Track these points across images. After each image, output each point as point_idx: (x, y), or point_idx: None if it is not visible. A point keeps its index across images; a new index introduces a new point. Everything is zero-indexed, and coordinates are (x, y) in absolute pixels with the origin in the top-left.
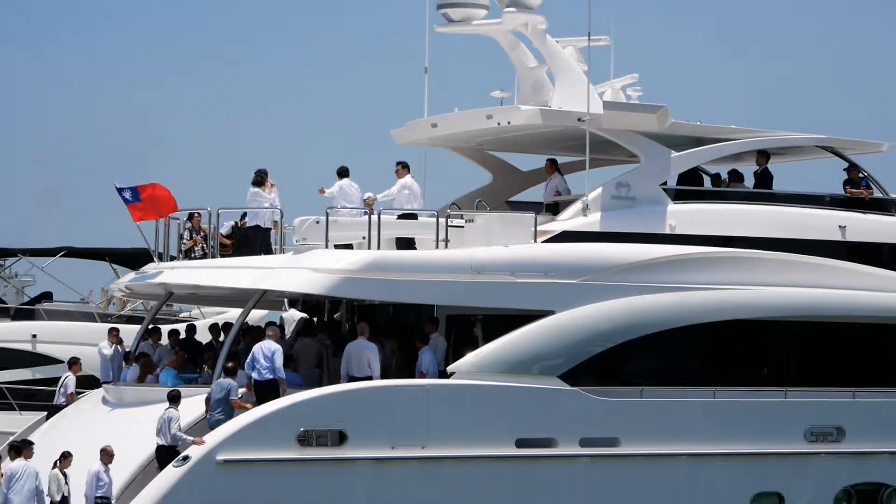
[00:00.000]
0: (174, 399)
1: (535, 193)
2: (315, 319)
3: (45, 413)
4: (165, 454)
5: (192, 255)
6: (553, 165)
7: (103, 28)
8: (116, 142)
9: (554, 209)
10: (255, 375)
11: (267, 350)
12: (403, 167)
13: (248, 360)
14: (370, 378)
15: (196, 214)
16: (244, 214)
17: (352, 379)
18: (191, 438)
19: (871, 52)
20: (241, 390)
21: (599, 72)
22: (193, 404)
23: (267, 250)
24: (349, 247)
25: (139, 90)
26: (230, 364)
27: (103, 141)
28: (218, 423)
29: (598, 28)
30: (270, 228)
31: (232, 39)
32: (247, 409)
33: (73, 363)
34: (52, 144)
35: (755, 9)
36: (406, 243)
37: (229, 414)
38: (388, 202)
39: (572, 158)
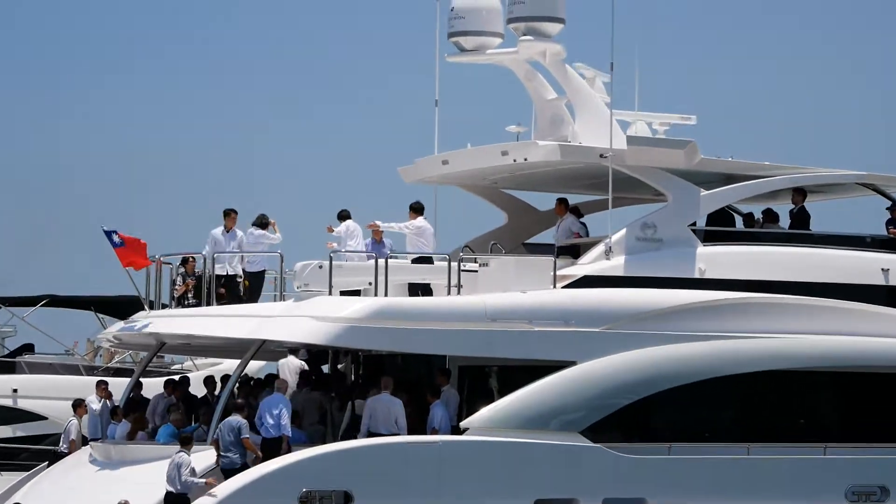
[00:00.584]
0: (186, 442)
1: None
2: (316, 371)
3: (46, 462)
4: (175, 502)
5: (185, 302)
6: (564, 205)
7: (91, 70)
8: (104, 184)
9: (570, 252)
10: (262, 433)
11: (274, 406)
12: (415, 210)
13: (256, 416)
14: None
15: (191, 259)
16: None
17: (374, 436)
18: (203, 481)
19: None
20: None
21: (623, 104)
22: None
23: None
24: (357, 293)
25: (129, 132)
26: (239, 401)
27: (89, 184)
28: (232, 464)
29: (622, 58)
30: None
31: (231, 72)
32: (257, 454)
33: (78, 405)
34: (34, 188)
35: (789, 37)
36: (421, 290)
37: (244, 453)
38: (394, 234)
39: (594, 197)
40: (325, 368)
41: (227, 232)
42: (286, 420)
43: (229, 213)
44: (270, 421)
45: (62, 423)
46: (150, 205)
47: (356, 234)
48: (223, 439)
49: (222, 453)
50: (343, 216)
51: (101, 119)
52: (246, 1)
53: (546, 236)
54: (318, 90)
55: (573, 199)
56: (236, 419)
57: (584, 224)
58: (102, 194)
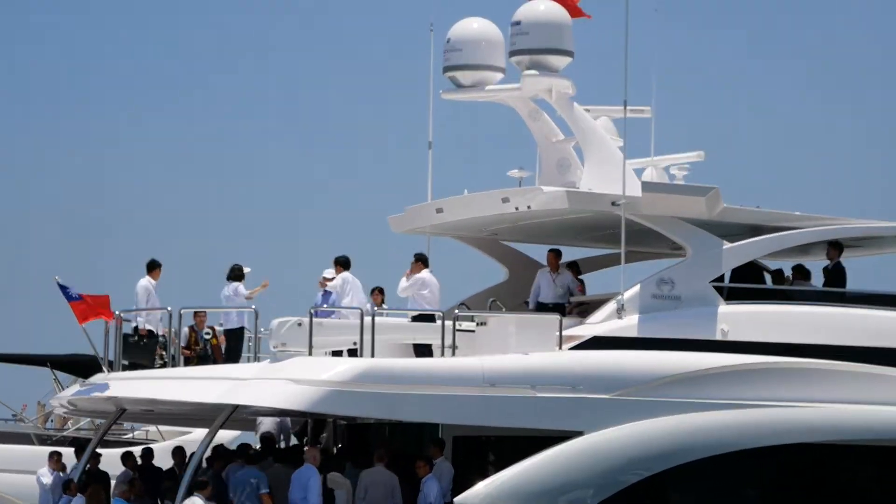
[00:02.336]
0: (201, 487)
1: None
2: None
3: None
4: None
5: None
6: (557, 257)
7: (53, 110)
8: (60, 231)
9: (561, 310)
10: None
11: (304, 479)
12: (420, 261)
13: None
14: None
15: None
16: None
17: None
18: None
19: None
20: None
21: (638, 148)
22: None
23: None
24: (354, 353)
25: (92, 172)
26: (202, 478)
27: (45, 232)
28: None
29: (636, 96)
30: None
31: (209, 116)
32: None
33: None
34: None
35: (818, 76)
36: (422, 351)
37: None
38: (401, 299)
39: (605, 251)
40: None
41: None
42: (313, 497)
43: (153, 266)
44: (296, 494)
45: (11, 500)
46: (110, 256)
47: (353, 290)
48: (240, 491)
49: None
50: (341, 263)
51: (63, 169)
52: (228, 38)
53: None
54: (313, 135)
55: (581, 252)
56: (253, 470)
57: (582, 281)
58: (57, 246)
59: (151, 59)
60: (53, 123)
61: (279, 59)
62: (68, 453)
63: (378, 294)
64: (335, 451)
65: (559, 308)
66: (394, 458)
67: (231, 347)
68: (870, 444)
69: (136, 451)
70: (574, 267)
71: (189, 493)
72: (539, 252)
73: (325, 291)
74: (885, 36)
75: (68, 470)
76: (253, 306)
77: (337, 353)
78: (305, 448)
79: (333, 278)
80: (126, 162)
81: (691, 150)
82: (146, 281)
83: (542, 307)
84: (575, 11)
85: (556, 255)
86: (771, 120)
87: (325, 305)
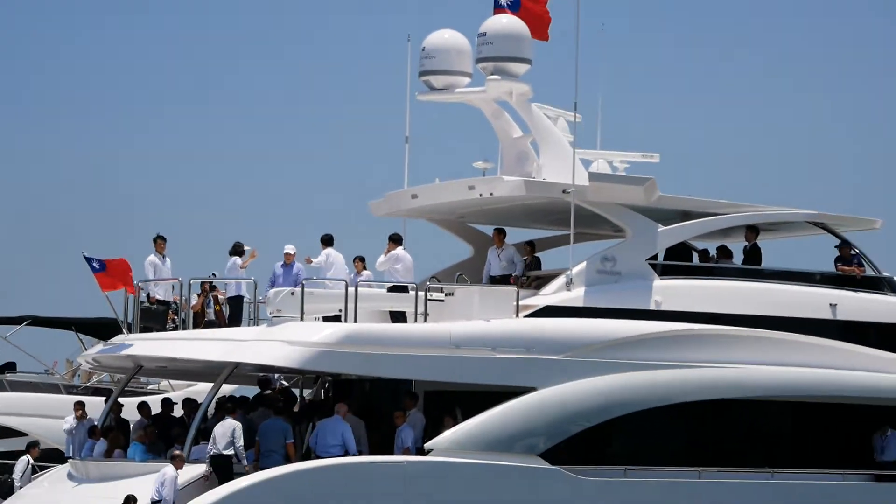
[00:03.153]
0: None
1: None
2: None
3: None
4: None
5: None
6: (502, 235)
7: (76, 91)
8: (85, 207)
9: (505, 282)
10: (319, 453)
11: (338, 430)
12: (394, 241)
13: (313, 436)
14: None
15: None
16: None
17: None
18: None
19: (868, 128)
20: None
21: (586, 143)
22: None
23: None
24: (338, 318)
25: (109, 153)
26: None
27: (71, 207)
28: (276, 464)
29: (586, 98)
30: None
31: (207, 103)
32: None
33: (32, 447)
34: (17, 211)
35: (746, 81)
36: (397, 317)
37: (287, 459)
38: (380, 273)
39: (557, 232)
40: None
41: (162, 257)
42: (351, 443)
43: (160, 240)
44: (332, 441)
45: (42, 440)
46: (127, 233)
47: (335, 264)
48: (267, 438)
49: (267, 452)
50: (326, 241)
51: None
52: (230, 36)
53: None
54: (296, 123)
55: (536, 233)
56: (282, 422)
57: (538, 258)
58: (85, 220)
59: (154, 54)
60: (82, 113)
61: (277, 64)
62: (91, 403)
63: (359, 262)
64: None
65: (505, 279)
66: (374, 410)
67: (232, 313)
68: (780, 400)
69: (152, 401)
70: (531, 245)
71: (196, 442)
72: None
73: (286, 265)
74: (820, 38)
75: (89, 418)
76: (252, 278)
77: (329, 319)
78: (337, 404)
79: (294, 253)
80: (143, 153)
81: (635, 143)
82: (152, 256)
83: (492, 280)
84: (541, 33)
85: (499, 232)
86: (702, 118)
87: (281, 278)
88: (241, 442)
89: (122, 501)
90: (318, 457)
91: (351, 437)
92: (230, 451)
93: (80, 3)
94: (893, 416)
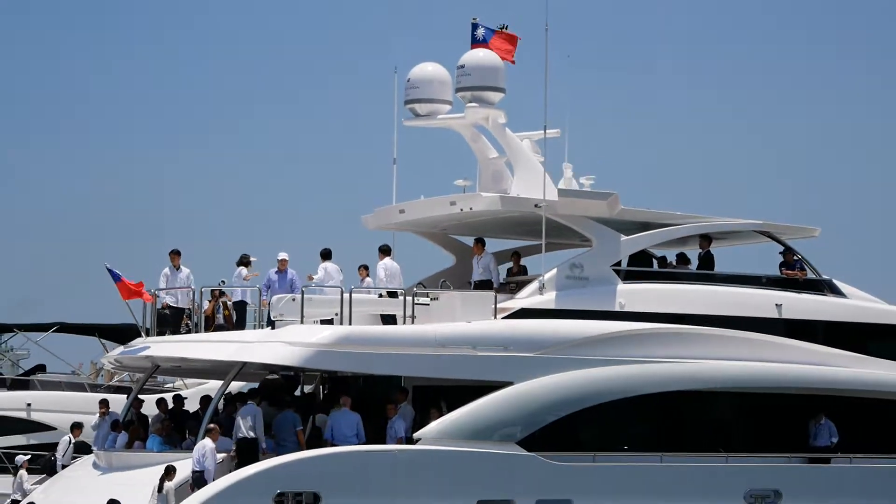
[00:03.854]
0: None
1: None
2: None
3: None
4: None
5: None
6: (481, 245)
7: (101, 102)
8: (109, 223)
9: (486, 287)
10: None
11: (352, 421)
12: (383, 251)
13: (327, 427)
14: None
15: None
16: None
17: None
18: None
19: (808, 144)
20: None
21: (555, 161)
22: (178, 468)
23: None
24: (330, 322)
25: (126, 169)
26: (211, 425)
27: (97, 223)
28: (291, 450)
29: (554, 121)
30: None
31: (215, 122)
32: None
33: (75, 427)
34: (47, 227)
35: (699, 105)
36: (388, 320)
37: (298, 446)
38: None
39: (531, 242)
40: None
41: (176, 269)
42: (362, 431)
43: (174, 254)
44: (349, 432)
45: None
46: (140, 247)
47: (335, 276)
48: (280, 426)
49: (280, 440)
50: (325, 255)
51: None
52: (229, 62)
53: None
54: (301, 152)
55: (512, 244)
56: (292, 413)
57: (524, 267)
58: (109, 235)
59: (155, 82)
60: (111, 132)
61: (280, 96)
62: (114, 400)
63: (363, 270)
64: (321, 398)
65: (485, 284)
66: (367, 403)
67: (238, 317)
68: (732, 391)
69: (169, 397)
70: (516, 255)
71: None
72: None
73: (280, 271)
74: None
75: (112, 412)
76: (257, 285)
77: (325, 322)
78: (342, 397)
79: (287, 260)
80: (164, 173)
81: (600, 162)
82: (167, 269)
83: (474, 285)
84: (507, 56)
85: (477, 242)
86: (658, 136)
87: (276, 283)
88: (261, 425)
89: (162, 472)
90: (334, 445)
91: (362, 427)
92: (253, 435)
93: (108, 26)
94: (832, 404)
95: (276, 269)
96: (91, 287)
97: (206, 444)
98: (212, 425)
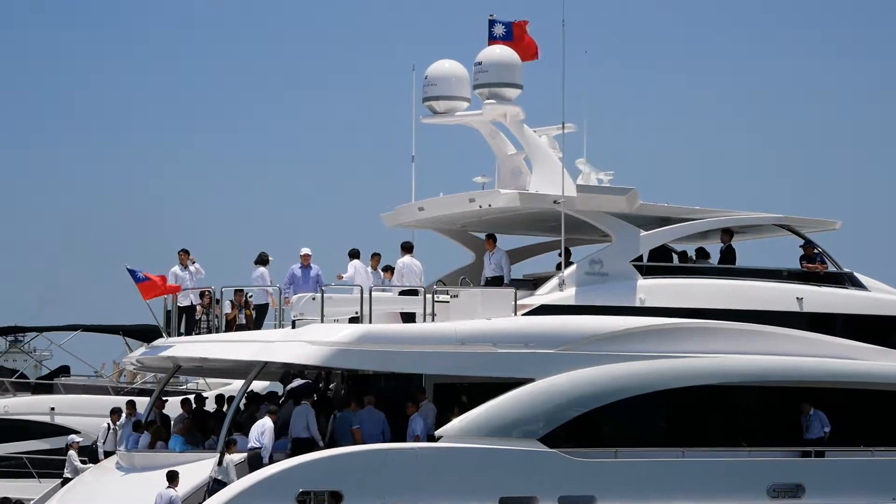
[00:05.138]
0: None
1: (515, 271)
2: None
3: (61, 481)
4: None
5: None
6: (493, 241)
7: (119, 110)
8: (128, 226)
9: (497, 283)
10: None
11: (378, 419)
12: (405, 248)
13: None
14: None
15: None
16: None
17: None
18: None
19: (827, 139)
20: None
21: (573, 157)
22: (200, 467)
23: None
24: (356, 320)
25: (153, 181)
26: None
27: (116, 226)
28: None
29: (572, 116)
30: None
31: (235, 118)
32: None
33: (114, 413)
34: (69, 231)
35: (719, 99)
36: (408, 318)
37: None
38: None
39: (550, 238)
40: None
41: (184, 268)
42: (387, 428)
43: (182, 253)
44: (374, 431)
45: (94, 437)
46: (164, 246)
47: (363, 273)
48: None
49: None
50: (353, 254)
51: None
52: (248, 65)
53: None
54: (321, 150)
55: (531, 240)
56: (348, 415)
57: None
58: (128, 237)
59: (168, 86)
60: (124, 141)
61: (302, 95)
62: (137, 402)
63: (389, 273)
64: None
65: (497, 280)
66: (389, 401)
67: (259, 317)
68: (754, 385)
69: (192, 398)
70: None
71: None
72: (499, 240)
73: (304, 266)
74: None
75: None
76: (277, 285)
77: (353, 320)
78: (365, 396)
79: (310, 255)
80: (181, 176)
81: (619, 157)
82: (175, 267)
83: (486, 281)
84: (530, 55)
85: (489, 238)
86: (676, 133)
87: (300, 279)
88: (314, 425)
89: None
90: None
91: (387, 425)
92: (309, 435)
93: (131, 40)
94: (855, 397)
95: (299, 265)
96: (112, 288)
97: (266, 422)
98: (272, 406)
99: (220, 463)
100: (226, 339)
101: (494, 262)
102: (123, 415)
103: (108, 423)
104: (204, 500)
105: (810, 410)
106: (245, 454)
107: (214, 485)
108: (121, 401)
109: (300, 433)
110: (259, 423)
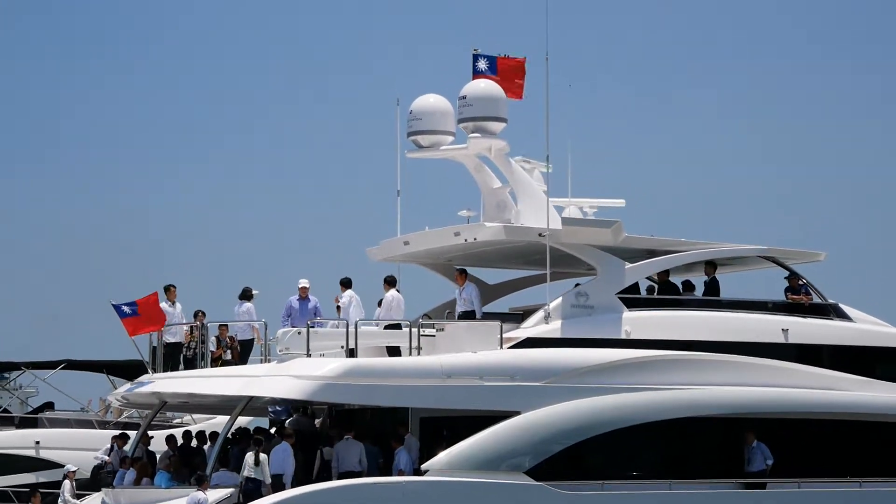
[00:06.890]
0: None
1: (501, 304)
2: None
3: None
4: None
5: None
6: (463, 275)
7: (102, 143)
8: (114, 262)
9: (469, 317)
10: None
11: (354, 449)
12: (389, 283)
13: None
14: None
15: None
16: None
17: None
18: None
19: (810, 171)
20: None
21: (558, 191)
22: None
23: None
24: (353, 353)
25: (134, 213)
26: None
27: (101, 262)
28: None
29: (557, 150)
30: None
31: (220, 151)
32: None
33: (120, 438)
34: (49, 265)
35: (702, 132)
36: (393, 351)
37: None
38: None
39: (535, 272)
40: None
41: (171, 304)
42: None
43: (169, 289)
44: (352, 460)
45: (80, 472)
46: (150, 282)
47: (353, 304)
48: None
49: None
50: (345, 284)
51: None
52: (234, 90)
53: (494, 306)
54: (306, 185)
55: (516, 273)
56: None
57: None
58: (114, 273)
59: (165, 112)
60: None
61: (286, 129)
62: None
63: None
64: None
65: (468, 315)
66: (374, 435)
67: (244, 353)
68: (738, 417)
69: (178, 433)
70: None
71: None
72: (485, 274)
73: (301, 298)
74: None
75: (124, 449)
76: (263, 320)
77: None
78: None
79: (307, 287)
80: (164, 209)
81: (602, 190)
82: (164, 303)
83: (458, 316)
84: (516, 93)
85: (459, 272)
86: (661, 164)
87: (298, 311)
88: (364, 459)
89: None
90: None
91: (364, 454)
92: (360, 468)
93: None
94: (841, 428)
95: (297, 297)
96: (97, 324)
97: (286, 447)
98: (289, 430)
99: (255, 463)
100: (211, 374)
101: (465, 296)
102: (111, 449)
103: (115, 445)
104: None
105: (754, 442)
106: (229, 490)
107: None
108: (107, 435)
109: (352, 467)
110: (278, 447)
